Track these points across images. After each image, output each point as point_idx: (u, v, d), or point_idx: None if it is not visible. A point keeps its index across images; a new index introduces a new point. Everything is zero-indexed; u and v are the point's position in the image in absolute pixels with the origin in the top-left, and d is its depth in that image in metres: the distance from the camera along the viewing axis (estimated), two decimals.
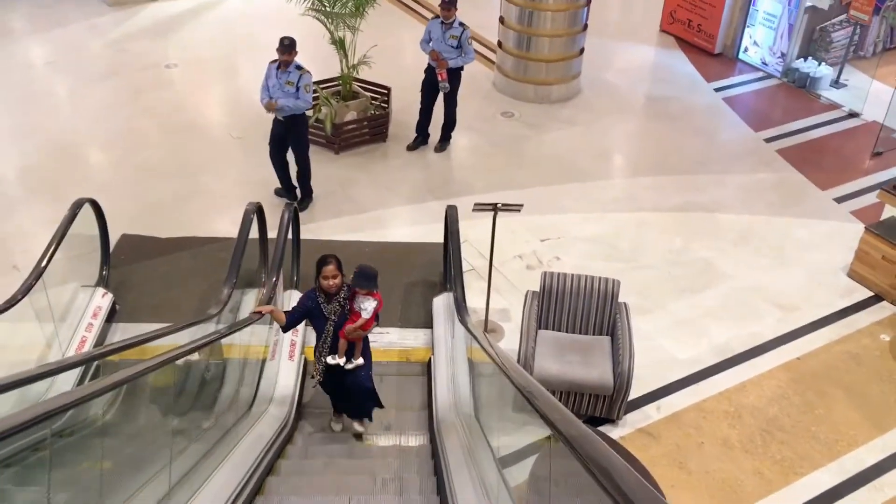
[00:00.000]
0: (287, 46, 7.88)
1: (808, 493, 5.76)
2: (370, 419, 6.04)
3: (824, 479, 5.85)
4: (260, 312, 5.47)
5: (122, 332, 6.86)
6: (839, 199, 9.33)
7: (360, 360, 5.61)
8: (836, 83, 12.02)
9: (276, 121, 8.30)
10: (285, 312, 5.55)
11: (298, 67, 8.00)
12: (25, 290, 5.69)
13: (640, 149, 10.83)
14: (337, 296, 5.39)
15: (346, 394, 5.83)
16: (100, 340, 6.66)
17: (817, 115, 11.34)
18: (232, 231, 7.74)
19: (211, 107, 11.45)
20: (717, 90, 12.05)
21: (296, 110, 8.10)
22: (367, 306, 5.41)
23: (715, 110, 11.55)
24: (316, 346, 5.58)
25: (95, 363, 5.72)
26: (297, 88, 7.96)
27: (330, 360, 5.49)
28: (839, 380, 6.80)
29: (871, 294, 7.73)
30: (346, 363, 5.52)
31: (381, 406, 5.98)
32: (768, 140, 10.65)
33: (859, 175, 9.83)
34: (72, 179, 9.20)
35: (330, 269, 5.29)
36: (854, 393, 6.66)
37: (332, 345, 5.48)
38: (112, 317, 7.01)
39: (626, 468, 1.97)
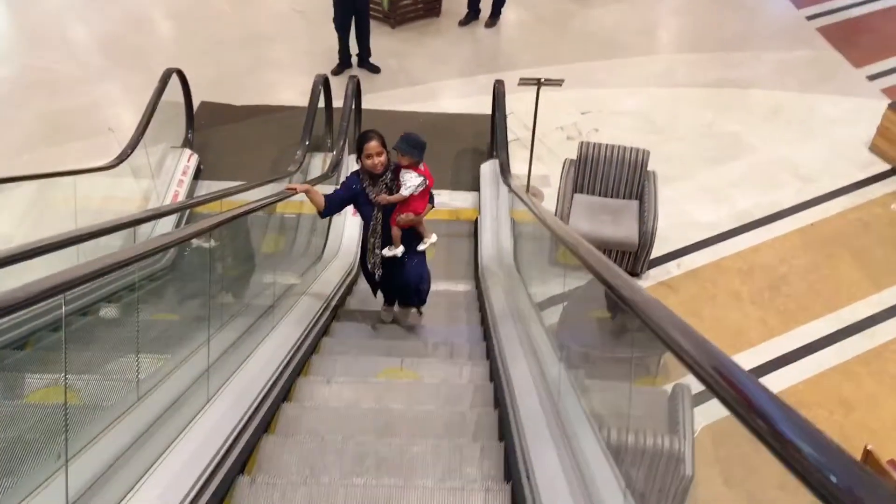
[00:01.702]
0: None
1: (806, 338, 6.45)
2: (423, 303, 5.75)
3: (821, 326, 6.53)
4: (294, 189, 4.88)
5: (207, 188, 7.68)
6: (872, 77, 9.57)
7: (434, 238, 5.10)
8: None
9: None
10: (325, 196, 4.87)
11: None
12: (133, 145, 6.50)
13: (682, 25, 11.08)
14: (383, 177, 4.78)
15: (398, 281, 5.32)
16: (189, 194, 7.52)
17: None
18: (297, 100, 8.50)
19: None
20: None
21: None
22: (408, 181, 4.76)
23: None
24: (365, 237, 5.06)
25: (188, 211, 6.62)
26: None
27: (386, 251, 4.96)
28: (847, 244, 7.36)
29: (889, 167, 8.15)
30: (406, 253, 5.00)
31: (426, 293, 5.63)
32: (810, 17, 10.77)
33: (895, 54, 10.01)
34: (149, 49, 9.88)
35: (373, 144, 4.66)
36: (859, 255, 7.23)
37: (385, 234, 4.93)
38: (198, 174, 7.84)
39: (659, 303, 2.04)
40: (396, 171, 4.79)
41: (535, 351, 4.30)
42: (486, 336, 5.33)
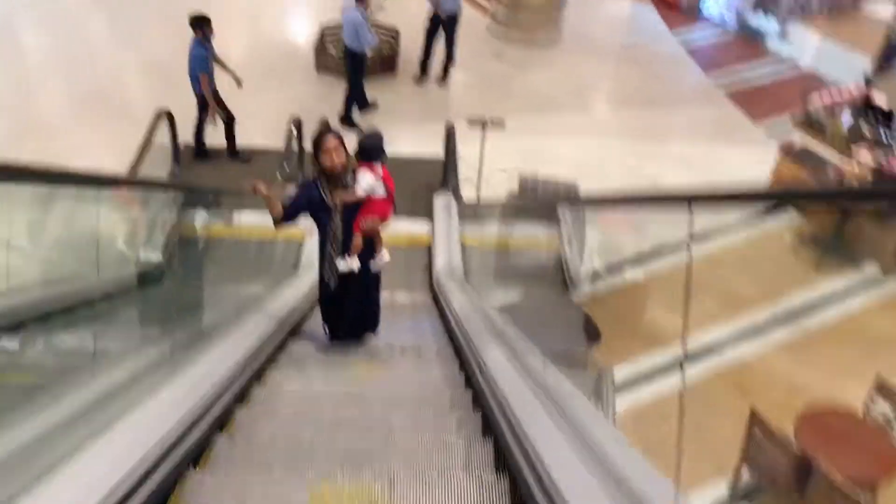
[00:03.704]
0: None
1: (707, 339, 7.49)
2: (375, 329, 5.26)
3: (724, 330, 7.57)
4: (258, 188, 4.38)
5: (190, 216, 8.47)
6: (769, 132, 10.94)
7: (387, 257, 4.73)
8: (781, 36, 13.50)
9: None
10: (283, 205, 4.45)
11: None
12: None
13: (608, 87, 12.42)
14: (342, 178, 4.36)
15: (352, 303, 4.86)
16: (176, 222, 8.26)
17: (762, 63, 12.87)
18: (269, 144, 9.41)
19: (243, 47, 12.90)
20: (679, 41, 13.56)
21: None
22: (362, 180, 4.36)
23: (676, 57, 13.08)
24: (323, 249, 4.57)
25: None
26: None
27: (342, 265, 4.48)
28: (747, 268, 8.49)
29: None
30: (364, 265, 4.59)
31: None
32: (718, 84, 12.20)
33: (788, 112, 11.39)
34: (131, 99, 10.72)
35: (331, 140, 4.25)
36: (755, 276, 8.36)
37: (346, 243, 4.46)
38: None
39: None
40: (355, 174, 4.43)
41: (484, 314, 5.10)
42: (444, 320, 6.12)
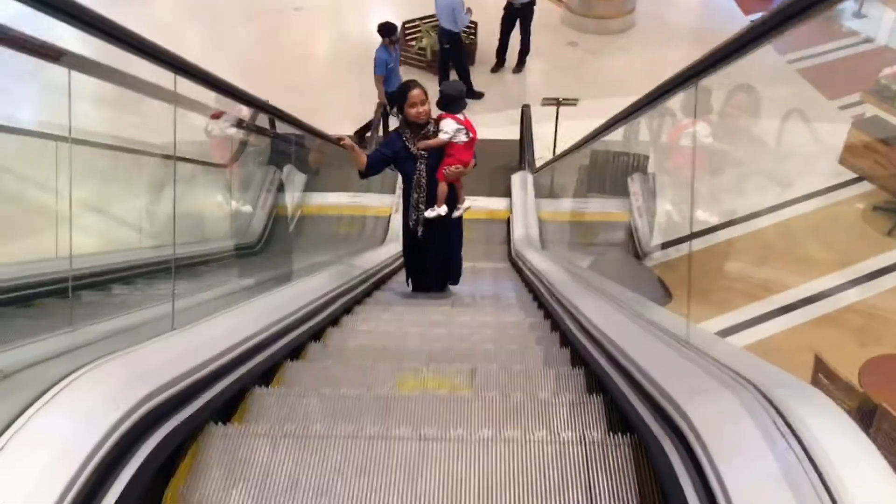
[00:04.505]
0: None
1: (782, 302, 7.67)
2: (457, 280, 5.64)
3: (796, 293, 7.74)
4: (344, 142, 4.66)
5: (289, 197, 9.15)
6: (843, 108, 10.95)
7: (468, 204, 4.92)
8: (858, 14, 13.39)
9: None
10: (368, 156, 4.68)
11: None
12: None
13: (679, 68, 12.58)
14: (425, 129, 4.64)
15: (437, 249, 5.17)
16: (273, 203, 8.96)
17: (837, 41, 12.82)
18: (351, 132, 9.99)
19: (327, 43, 13.64)
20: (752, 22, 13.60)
21: None
22: (445, 126, 4.60)
23: None
24: (407, 195, 4.83)
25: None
26: None
27: (429, 213, 4.75)
28: (819, 235, 8.62)
29: (854, 176, 9.45)
30: (448, 213, 4.85)
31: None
32: (790, 61, 12.24)
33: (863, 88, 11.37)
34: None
35: (416, 93, 4.53)
36: (828, 244, 8.48)
37: (429, 190, 4.71)
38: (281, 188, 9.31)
39: None
40: (438, 123, 4.68)
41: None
42: (523, 277, 6.57)
